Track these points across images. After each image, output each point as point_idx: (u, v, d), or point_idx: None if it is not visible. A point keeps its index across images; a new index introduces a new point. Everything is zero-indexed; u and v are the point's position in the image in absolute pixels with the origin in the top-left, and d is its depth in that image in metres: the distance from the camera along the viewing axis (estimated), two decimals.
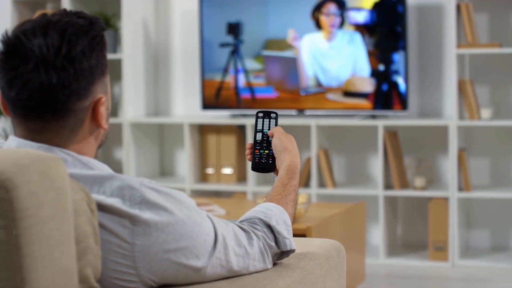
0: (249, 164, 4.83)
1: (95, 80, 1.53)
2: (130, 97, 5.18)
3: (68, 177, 1.40)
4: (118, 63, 5.24)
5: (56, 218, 1.34)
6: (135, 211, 1.49)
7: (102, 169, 1.58)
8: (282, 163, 1.87)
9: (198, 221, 1.57)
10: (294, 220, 1.85)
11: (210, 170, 5.15)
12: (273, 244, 1.73)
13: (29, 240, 1.31)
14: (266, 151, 1.91)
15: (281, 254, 1.78)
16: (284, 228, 1.76)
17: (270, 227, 1.74)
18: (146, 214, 1.50)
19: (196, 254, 1.56)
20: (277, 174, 1.89)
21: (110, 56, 5.09)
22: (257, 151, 1.92)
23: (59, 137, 1.53)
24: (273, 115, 1.95)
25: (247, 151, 1.96)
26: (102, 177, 1.52)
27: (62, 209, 1.36)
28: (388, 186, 4.85)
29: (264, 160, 1.91)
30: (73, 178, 1.48)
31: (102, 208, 1.48)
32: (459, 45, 4.62)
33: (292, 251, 1.78)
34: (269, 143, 1.91)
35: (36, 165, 1.34)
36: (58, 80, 1.48)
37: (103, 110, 1.56)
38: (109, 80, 1.61)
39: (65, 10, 1.57)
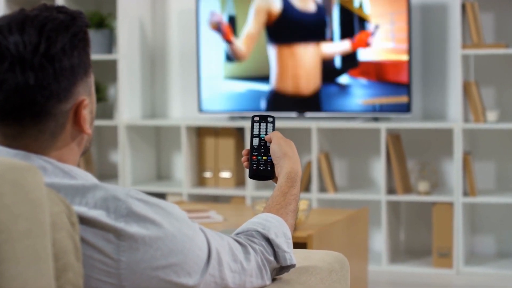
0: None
1: (77, 81, 1.45)
2: (126, 99, 5.16)
3: (44, 188, 1.32)
4: (113, 64, 5.26)
5: (31, 233, 1.27)
6: (120, 225, 1.41)
7: (85, 178, 1.49)
8: (281, 170, 1.80)
9: (189, 235, 1.49)
10: (294, 228, 1.78)
11: (207, 174, 5.13)
12: (271, 258, 1.66)
13: (1, 258, 1.23)
14: (264, 158, 1.84)
15: (280, 269, 1.70)
16: (284, 241, 1.69)
17: (268, 240, 1.67)
18: (133, 228, 1.41)
19: (187, 271, 1.47)
20: (276, 181, 1.82)
21: (105, 56, 5.15)
22: (254, 157, 1.84)
23: (38, 143, 1.45)
24: (270, 119, 1.88)
25: (244, 158, 1.89)
26: (84, 187, 1.44)
27: (38, 223, 1.28)
28: (390, 190, 4.82)
29: (262, 167, 1.84)
30: (53, 188, 1.41)
31: (85, 221, 1.40)
32: (464, 46, 4.60)
33: (293, 266, 1.70)
34: (267, 148, 1.85)
35: (9, 175, 1.26)
36: (36, 80, 1.40)
37: (86, 113, 1.48)
38: (93, 81, 1.53)
39: (45, 4, 1.49)
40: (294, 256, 1.70)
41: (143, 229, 1.42)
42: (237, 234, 1.69)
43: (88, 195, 1.42)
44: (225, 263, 1.54)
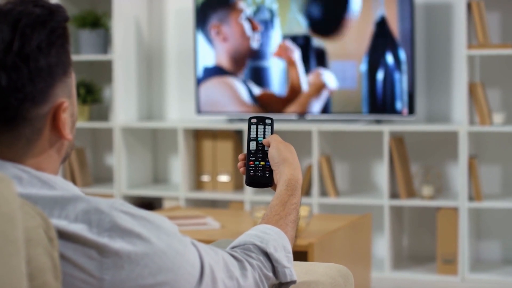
0: None
1: (55, 82, 1.37)
2: (122, 100, 5.12)
3: (18, 200, 1.23)
4: (109, 65, 5.26)
5: (3, 251, 1.18)
6: (103, 240, 1.32)
7: (66, 188, 1.39)
8: (281, 177, 1.71)
9: (180, 250, 1.40)
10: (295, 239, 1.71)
11: (205, 178, 5.09)
12: (270, 274, 1.58)
13: None
14: (262, 163, 1.75)
15: (279, 286, 1.62)
16: (284, 255, 1.61)
17: (267, 255, 1.59)
18: (117, 243, 1.33)
19: None
20: (275, 189, 1.74)
21: (100, 57, 5.17)
22: (251, 162, 1.75)
23: (12, 150, 1.37)
24: (268, 121, 1.78)
25: (240, 163, 1.80)
26: (64, 198, 1.34)
27: (10, 240, 1.19)
28: (394, 195, 4.78)
29: (259, 173, 1.74)
30: (29, 200, 1.32)
31: (64, 235, 1.31)
32: (469, 46, 4.55)
33: (293, 282, 1.62)
34: (265, 153, 1.75)
35: None
36: (9, 82, 1.32)
37: (65, 117, 1.39)
38: (74, 81, 1.44)
39: None
40: (294, 271, 1.62)
41: (128, 245, 1.33)
42: (233, 247, 1.61)
43: (68, 207, 1.33)
44: (219, 281, 1.46)
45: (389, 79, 4.70)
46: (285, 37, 4.85)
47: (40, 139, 1.37)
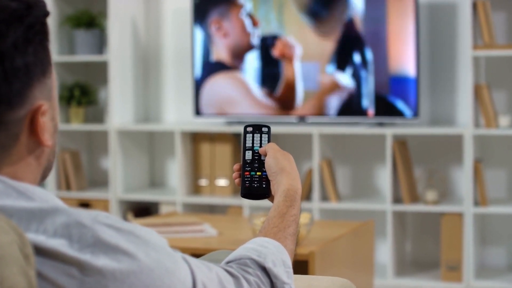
0: None
1: (33, 83, 1.27)
2: (118, 102, 5.10)
3: None
4: (104, 66, 5.23)
5: None
6: (85, 256, 1.22)
7: (45, 199, 1.28)
8: (278, 187, 1.63)
9: (170, 267, 1.30)
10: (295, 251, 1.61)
11: (203, 182, 5.04)
12: None
13: None
14: (258, 173, 1.67)
15: None
16: (283, 270, 1.51)
17: (265, 270, 1.49)
18: (101, 260, 1.23)
19: None
20: (272, 200, 1.65)
21: (96, 57, 5.14)
22: (247, 173, 1.67)
23: None
24: (264, 129, 1.71)
25: (235, 174, 1.72)
26: (42, 210, 1.24)
27: None
28: (397, 200, 4.74)
29: (256, 184, 1.66)
30: (3, 213, 1.22)
31: (42, 252, 1.21)
32: (475, 47, 4.52)
33: None
34: (261, 163, 1.67)
35: None
36: None
37: (44, 121, 1.29)
38: (55, 82, 1.34)
39: None
40: (294, 287, 1.53)
41: (113, 262, 1.23)
42: (228, 262, 1.51)
43: (47, 220, 1.23)
44: None
45: (356, 80, 4.69)
46: None
47: (16, 146, 1.28)
